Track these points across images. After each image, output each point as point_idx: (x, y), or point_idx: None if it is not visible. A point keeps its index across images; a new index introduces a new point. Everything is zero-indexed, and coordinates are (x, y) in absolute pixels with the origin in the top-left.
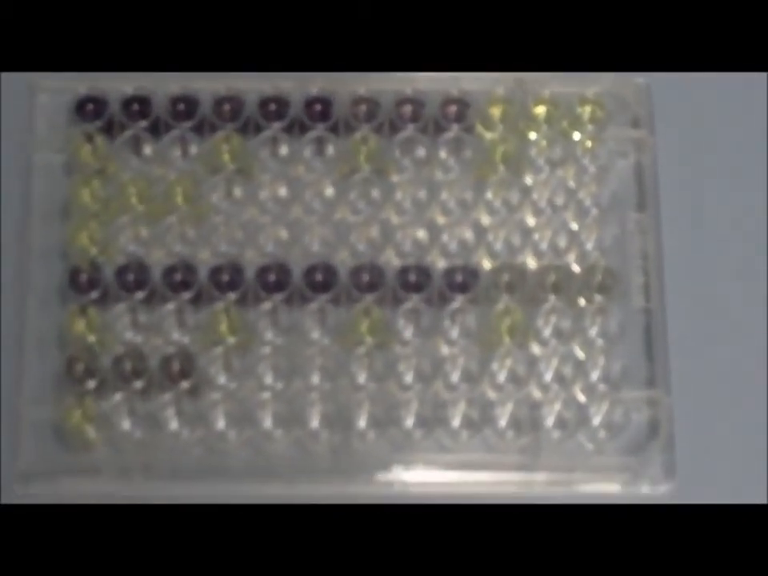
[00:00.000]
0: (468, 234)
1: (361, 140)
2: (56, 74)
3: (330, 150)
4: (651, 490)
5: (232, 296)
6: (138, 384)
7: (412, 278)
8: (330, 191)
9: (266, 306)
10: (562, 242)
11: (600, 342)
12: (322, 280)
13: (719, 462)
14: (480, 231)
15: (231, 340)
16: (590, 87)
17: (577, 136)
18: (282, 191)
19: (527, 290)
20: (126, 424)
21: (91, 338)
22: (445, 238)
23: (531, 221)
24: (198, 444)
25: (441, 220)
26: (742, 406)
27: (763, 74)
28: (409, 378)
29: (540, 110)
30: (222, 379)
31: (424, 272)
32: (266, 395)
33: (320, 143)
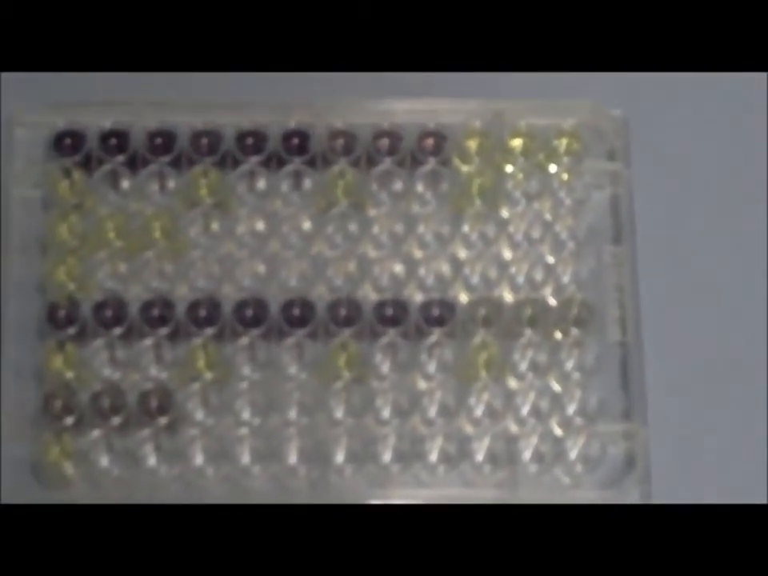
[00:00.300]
0: (445, 268)
1: (338, 174)
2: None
3: (308, 183)
4: None
5: (209, 331)
6: (116, 420)
7: (389, 312)
8: (307, 225)
9: (244, 341)
10: (539, 276)
11: (576, 375)
12: (299, 315)
13: (695, 494)
14: (457, 265)
15: (208, 375)
16: (566, 118)
17: (553, 168)
18: (260, 225)
19: (504, 324)
20: (104, 460)
21: (69, 374)
22: (422, 271)
23: (508, 254)
24: (176, 480)
25: (418, 254)
26: (719, 439)
27: (740, 105)
28: (386, 412)
29: (516, 142)
30: (199, 415)
31: (401, 306)
32: (244, 431)
33: (297, 177)
